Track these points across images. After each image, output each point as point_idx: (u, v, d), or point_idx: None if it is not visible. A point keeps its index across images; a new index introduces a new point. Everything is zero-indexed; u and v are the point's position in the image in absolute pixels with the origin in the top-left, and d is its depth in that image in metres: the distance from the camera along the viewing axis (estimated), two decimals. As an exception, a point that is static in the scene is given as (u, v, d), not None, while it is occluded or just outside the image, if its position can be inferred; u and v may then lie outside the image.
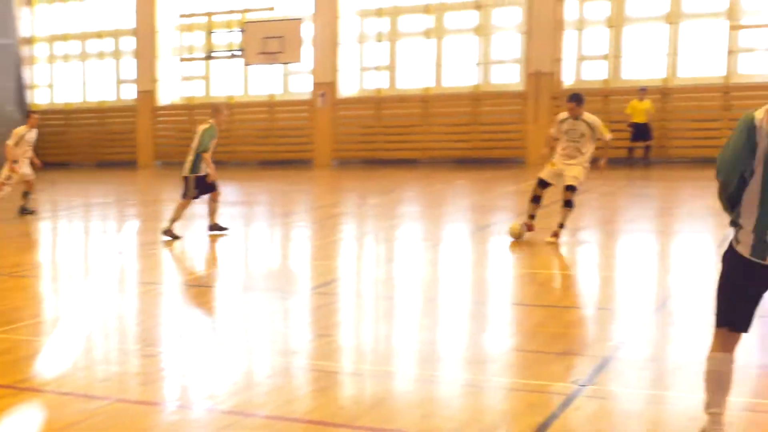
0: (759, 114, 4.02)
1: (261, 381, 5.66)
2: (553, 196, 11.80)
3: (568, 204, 10.90)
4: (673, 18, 23.22)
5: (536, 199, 11.16)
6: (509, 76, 25.57)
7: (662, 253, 10.73)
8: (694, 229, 12.02)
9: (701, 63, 23.17)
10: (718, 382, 4.29)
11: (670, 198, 16.22)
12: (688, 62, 23.38)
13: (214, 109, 12.40)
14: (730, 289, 4.27)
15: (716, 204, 4.52)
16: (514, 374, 5.80)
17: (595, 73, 24.46)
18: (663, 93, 23.24)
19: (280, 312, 7.76)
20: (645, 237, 11.64)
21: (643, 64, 23.92)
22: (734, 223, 4.20)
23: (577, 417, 4.91)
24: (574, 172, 10.91)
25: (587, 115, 10.93)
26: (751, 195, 4.09)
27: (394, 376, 5.78)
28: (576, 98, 10.92)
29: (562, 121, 11.03)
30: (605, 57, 24.05)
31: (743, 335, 4.34)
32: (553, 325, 7.18)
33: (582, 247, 10.96)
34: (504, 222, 12.44)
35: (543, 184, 11.16)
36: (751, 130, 4.02)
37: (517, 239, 10.95)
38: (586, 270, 9.84)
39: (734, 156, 4.07)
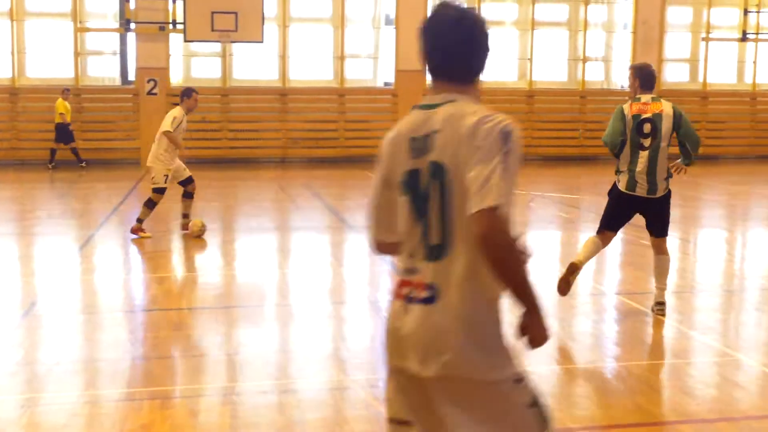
0: (626, 107, 7.04)
1: None
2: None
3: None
4: (18, 16, 22.76)
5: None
6: None
7: (25, 256, 10.54)
8: (56, 232, 11.96)
9: (47, 64, 22.99)
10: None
11: (32, 200, 15.91)
12: (36, 62, 23.06)
13: None
14: (611, 209, 7.20)
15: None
16: None
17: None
18: (11, 92, 22.65)
19: None
20: (4, 240, 11.29)
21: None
22: (617, 171, 7.13)
23: (-51, 434, 4.68)
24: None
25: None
26: (626, 152, 7.03)
27: None
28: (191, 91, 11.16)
29: (183, 119, 11.06)
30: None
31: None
32: None
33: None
34: None
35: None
36: (620, 113, 7.04)
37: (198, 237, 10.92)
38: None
39: (615, 131, 7.01)
